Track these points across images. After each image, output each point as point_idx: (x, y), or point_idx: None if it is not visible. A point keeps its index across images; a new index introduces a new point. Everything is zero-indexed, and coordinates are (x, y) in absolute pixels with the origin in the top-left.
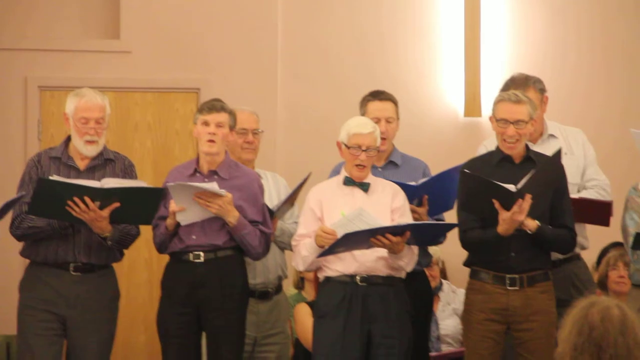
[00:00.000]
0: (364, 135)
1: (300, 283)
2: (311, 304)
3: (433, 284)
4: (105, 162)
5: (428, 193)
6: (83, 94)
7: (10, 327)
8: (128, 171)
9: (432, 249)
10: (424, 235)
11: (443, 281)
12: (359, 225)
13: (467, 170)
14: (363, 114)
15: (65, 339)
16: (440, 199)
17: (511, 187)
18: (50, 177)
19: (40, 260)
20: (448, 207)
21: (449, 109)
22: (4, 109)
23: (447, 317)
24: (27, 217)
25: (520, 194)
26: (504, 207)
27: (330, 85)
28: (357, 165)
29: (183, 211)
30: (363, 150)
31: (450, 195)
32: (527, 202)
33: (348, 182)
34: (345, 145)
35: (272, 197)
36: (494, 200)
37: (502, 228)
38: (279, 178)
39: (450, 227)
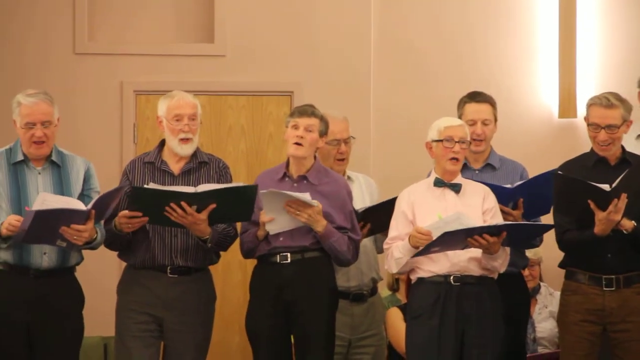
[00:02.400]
0: (456, 127)
1: (394, 285)
2: (403, 308)
3: (532, 284)
4: (199, 165)
5: (524, 196)
6: (173, 94)
7: (108, 328)
8: (223, 173)
9: (533, 249)
10: (520, 237)
11: (540, 283)
12: (454, 227)
13: (560, 172)
14: (460, 115)
15: (162, 341)
16: (536, 202)
17: (605, 187)
18: (145, 186)
19: (138, 264)
20: (545, 211)
21: (543, 110)
22: (100, 113)
23: (544, 319)
24: (106, 228)
25: (615, 193)
26: (599, 207)
27: (424, 88)
28: (451, 159)
29: (272, 221)
30: (456, 142)
31: (547, 198)
32: (622, 201)
33: (439, 183)
34: (437, 141)
35: (365, 200)
36: (590, 201)
37: (598, 228)
38: (370, 180)
39: (546, 228)
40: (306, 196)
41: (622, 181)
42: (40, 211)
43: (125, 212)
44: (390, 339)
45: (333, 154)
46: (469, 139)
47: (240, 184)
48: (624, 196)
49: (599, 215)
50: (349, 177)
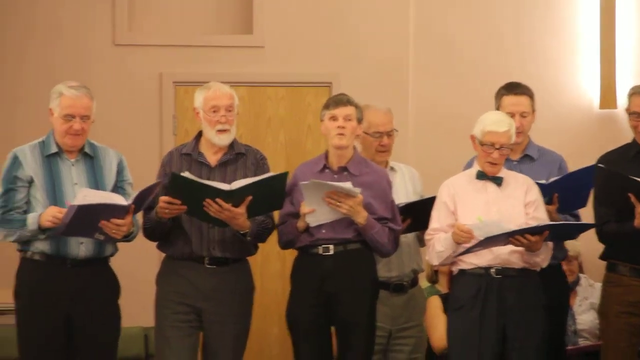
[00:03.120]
0: (499, 134)
1: (434, 276)
2: (444, 297)
3: (571, 278)
4: (236, 157)
5: (559, 191)
6: (210, 85)
7: (148, 319)
8: (260, 164)
9: (571, 243)
10: (560, 234)
11: (580, 275)
12: (494, 231)
13: (601, 165)
14: (498, 107)
15: (200, 331)
16: (572, 196)
17: None
18: (182, 174)
19: (176, 254)
20: (581, 204)
21: (583, 100)
22: (139, 105)
23: (584, 311)
24: (145, 218)
25: None
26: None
27: (462, 79)
28: (489, 162)
29: (313, 213)
30: (496, 149)
31: (583, 193)
32: None
33: (481, 176)
34: (479, 141)
35: (408, 190)
36: (630, 194)
37: (638, 221)
38: (413, 171)
39: (588, 226)
40: (348, 185)
41: None
42: (83, 206)
43: (165, 197)
44: (425, 325)
45: (375, 145)
46: (512, 141)
47: (270, 173)
48: None
49: (639, 208)
50: (391, 168)
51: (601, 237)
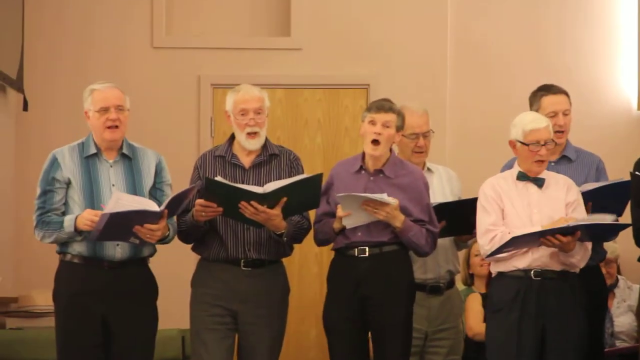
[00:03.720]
0: (542, 130)
1: (469, 279)
2: (484, 295)
3: (609, 281)
4: (270, 158)
5: (594, 200)
6: (239, 88)
7: (185, 321)
8: (294, 165)
9: (610, 246)
10: (594, 234)
11: (619, 277)
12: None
13: (637, 173)
14: (537, 109)
15: (236, 334)
16: (609, 206)
17: None
18: (216, 178)
19: (212, 257)
20: (618, 215)
21: (622, 101)
22: (178, 107)
23: (622, 313)
24: (180, 220)
25: None
26: None
27: (500, 83)
28: (537, 161)
29: (349, 215)
30: (542, 145)
31: (620, 202)
32: None
33: (522, 177)
34: (522, 143)
35: (445, 192)
36: None
37: None
38: (451, 172)
39: (621, 227)
40: (383, 196)
41: None
42: (115, 214)
43: (201, 200)
44: (465, 320)
45: (411, 146)
46: (552, 136)
47: (304, 175)
48: None
49: None
50: (428, 169)
51: (637, 240)
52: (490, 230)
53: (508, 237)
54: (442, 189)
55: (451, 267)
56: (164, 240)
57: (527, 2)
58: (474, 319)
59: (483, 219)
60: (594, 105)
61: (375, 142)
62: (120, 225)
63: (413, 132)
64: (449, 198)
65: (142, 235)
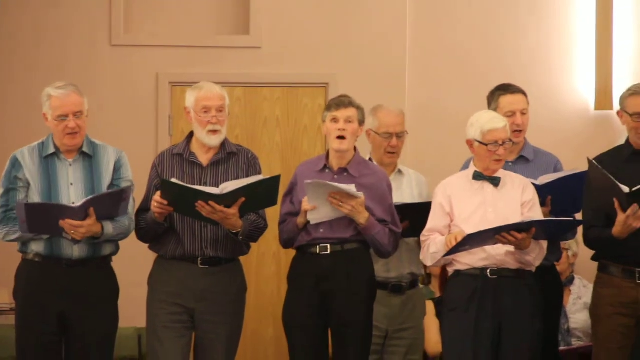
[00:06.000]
0: (500, 130)
1: (426, 279)
2: (437, 301)
3: (563, 276)
4: (228, 156)
5: (552, 194)
6: (202, 86)
7: (141, 319)
8: (252, 164)
9: (568, 243)
10: (550, 232)
11: (574, 275)
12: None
13: (594, 161)
14: (495, 108)
15: (193, 332)
16: (567, 200)
17: (625, 188)
18: (172, 180)
19: (168, 255)
20: (576, 210)
21: (580, 102)
22: (135, 105)
23: (578, 310)
24: (140, 218)
25: (634, 198)
26: (622, 208)
27: (459, 81)
28: (495, 160)
29: (314, 210)
30: (500, 145)
31: (578, 197)
32: None
33: (478, 176)
34: (480, 142)
35: (414, 195)
36: (615, 200)
37: (616, 230)
38: (422, 178)
39: (576, 223)
40: (351, 187)
41: None
42: (30, 205)
43: (157, 196)
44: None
45: (384, 146)
46: (510, 136)
47: (262, 177)
48: None
49: (620, 216)
50: (399, 171)
51: (585, 241)
52: (424, 238)
53: (439, 241)
54: (411, 192)
55: (414, 269)
56: (96, 238)
57: (485, 4)
58: (431, 337)
59: (426, 226)
60: (552, 106)
61: (340, 137)
62: (43, 218)
63: (387, 131)
64: (417, 201)
65: (67, 230)
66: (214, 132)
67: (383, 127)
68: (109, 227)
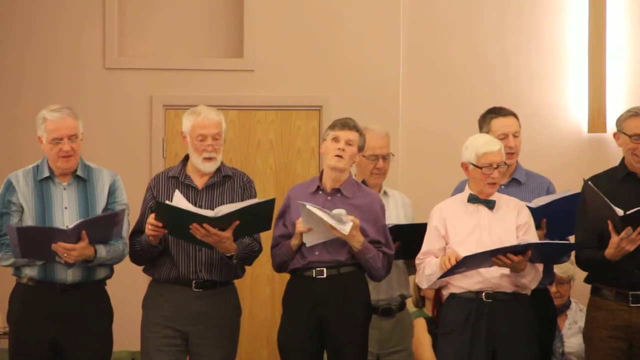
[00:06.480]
0: (495, 153)
1: (419, 302)
2: (429, 319)
3: (561, 301)
4: (223, 179)
5: (547, 216)
6: (199, 111)
7: (135, 343)
8: (247, 187)
9: (564, 266)
10: (545, 254)
11: (571, 299)
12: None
13: (589, 182)
14: (487, 131)
15: (187, 355)
16: (562, 222)
17: (619, 211)
18: (167, 202)
19: (163, 278)
20: (571, 232)
21: (572, 124)
22: (129, 128)
23: (573, 334)
24: (134, 241)
25: (627, 221)
26: (616, 230)
27: (452, 104)
28: (489, 183)
29: (309, 232)
30: (495, 168)
31: (572, 220)
32: (638, 234)
33: (473, 199)
34: (475, 166)
35: (399, 217)
36: (609, 221)
37: (609, 252)
38: (406, 199)
39: (572, 247)
40: (341, 212)
41: (638, 212)
42: (21, 228)
43: (151, 219)
44: (415, 351)
45: (370, 168)
46: (504, 159)
47: (256, 200)
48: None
49: (613, 238)
50: (385, 192)
51: (577, 262)
52: (419, 261)
53: (433, 263)
54: (397, 214)
55: (404, 291)
56: (90, 262)
57: (480, 26)
58: (424, 352)
59: (421, 249)
60: (545, 129)
61: (338, 156)
62: (35, 242)
63: (373, 153)
64: (402, 223)
65: (59, 253)
66: (209, 159)
67: (369, 149)
68: (102, 251)
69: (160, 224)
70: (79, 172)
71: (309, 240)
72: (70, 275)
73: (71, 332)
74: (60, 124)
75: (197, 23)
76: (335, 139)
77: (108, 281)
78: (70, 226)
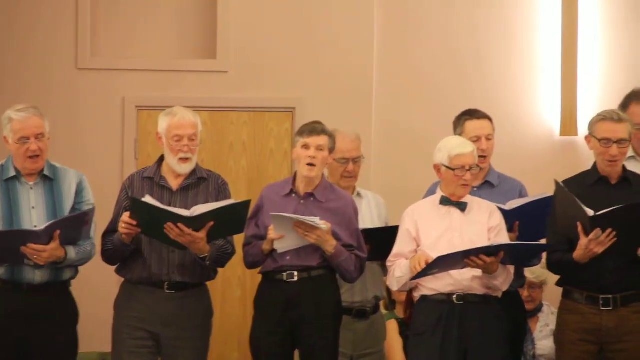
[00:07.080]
0: (467, 155)
1: (390, 305)
2: (400, 321)
3: (532, 305)
4: (198, 181)
5: (520, 218)
6: (175, 112)
7: (106, 344)
8: (222, 189)
9: (537, 270)
10: (518, 256)
11: (543, 302)
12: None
13: (561, 183)
14: (460, 133)
15: (159, 357)
16: (534, 225)
17: (590, 212)
18: (143, 199)
19: (134, 279)
20: (543, 235)
21: (544, 127)
22: (101, 129)
23: (545, 337)
24: (106, 240)
25: (597, 222)
26: (585, 231)
27: (426, 105)
28: (462, 185)
29: (281, 239)
30: (467, 170)
31: (545, 221)
32: (606, 236)
33: (445, 201)
34: (447, 167)
35: (373, 218)
36: (578, 223)
37: (577, 254)
38: (380, 200)
39: (544, 248)
40: (315, 219)
41: (609, 214)
42: None
43: (125, 217)
44: (387, 354)
45: (340, 171)
46: (477, 161)
47: (232, 201)
48: (609, 233)
49: (582, 240)
50: (358, 194)
51: (547, 265)
52: (390, 263)
53: (403, 265)
54: (370, 214)
55: (378, 293)
56: (60, 263)
57: (453, 26)
58: (395, 354)
59: (392, 252)
60: (517, 132)
61: (310, 165)
62: (5, 248)
63: (343, 156)
64: (377, 224)
65: (29, 255)
66: (185, 160)
67: (339, 152)
68: (72, 252)
69: (134, 222)
70: (45, 172)
71: (281, 247)
72: (38, 276)
73: (37, 333)
74: (26, 123)
75: (170, 24)
76: (305, 146)
77: (79, 282)
78: (42, 227)
